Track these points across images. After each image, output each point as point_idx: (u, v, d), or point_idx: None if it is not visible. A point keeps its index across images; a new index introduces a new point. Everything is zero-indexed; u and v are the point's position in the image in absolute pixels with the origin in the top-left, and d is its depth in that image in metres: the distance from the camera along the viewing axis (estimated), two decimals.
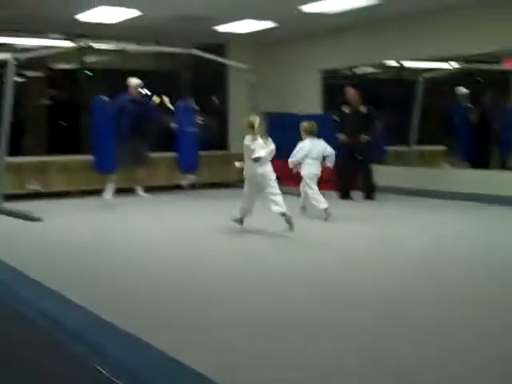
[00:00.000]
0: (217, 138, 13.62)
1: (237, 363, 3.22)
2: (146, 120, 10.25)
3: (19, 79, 10.79)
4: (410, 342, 3.52)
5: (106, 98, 9.95)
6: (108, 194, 9.61)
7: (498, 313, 4.08)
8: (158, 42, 12.34)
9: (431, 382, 2.98)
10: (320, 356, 3.29)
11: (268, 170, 7.11)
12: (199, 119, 13.37)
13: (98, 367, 3.09)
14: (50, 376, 3.17)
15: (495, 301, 4.37)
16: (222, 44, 13.14)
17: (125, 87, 10.65)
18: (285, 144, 12.29)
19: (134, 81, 10.42)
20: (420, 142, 11.81)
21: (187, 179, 11.03)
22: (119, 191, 9.96)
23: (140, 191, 10.67)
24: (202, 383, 2.92)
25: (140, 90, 10.43)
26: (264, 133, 7.10)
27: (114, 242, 6.78)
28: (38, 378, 3.18)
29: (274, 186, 7.07)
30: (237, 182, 12.49)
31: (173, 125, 10.61)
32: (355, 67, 12.58)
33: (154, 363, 3.18)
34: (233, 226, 7.24)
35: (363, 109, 10.01)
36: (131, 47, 11.89)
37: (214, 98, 14.04)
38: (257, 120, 7.03)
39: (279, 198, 7.04)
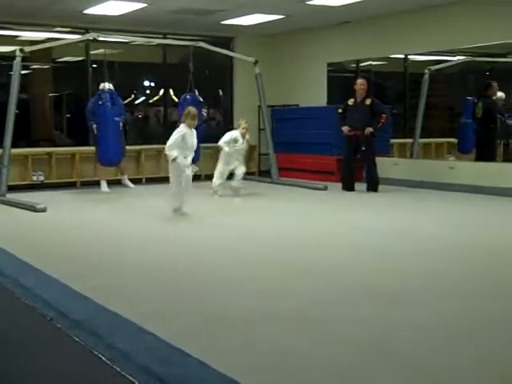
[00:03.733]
0: (221, 130, 13.65)
1: None
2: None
3: (25, 71, 10.91)
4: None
5: (112, 91, 10.07)
6: (104, 186, 10.36)
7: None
8: (164, 35, 12.40)
9: None
10: None
11: None
12: (204, 111, 13.42)
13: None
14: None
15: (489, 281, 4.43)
16: (229, 37, 13.19)
17: (130, 79, 10.73)
18: (288, 136, 12.45)
19: (103, 85, 10.33)
20: (425, 134, 11.85)
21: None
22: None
23: (126, 181, 10.85)
24: None
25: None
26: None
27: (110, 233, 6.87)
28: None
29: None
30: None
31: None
32: (362, 61, 12.59)
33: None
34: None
35: (368, 101, 10.02)
36: (138, 39, 11.94)
37: (219, 91, 14.08)
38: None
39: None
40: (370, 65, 12.65)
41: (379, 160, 10.18)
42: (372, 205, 8.87)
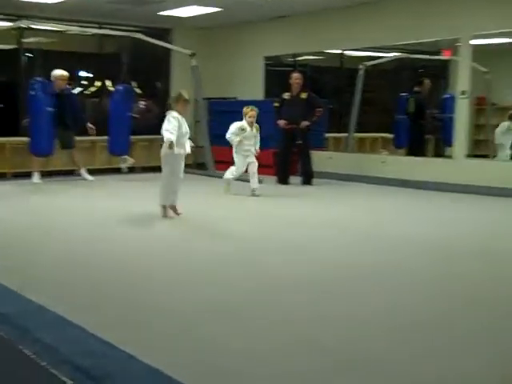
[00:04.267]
0: (158, 122, 13.53)
1: None
2: (68, 110, 10.21)
3: None
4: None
5: (44, 80, 9.93)
6: (36, 178, 10.10)
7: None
8: (101, 25, 12.22)
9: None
10: None
11: None
12: (141, 103, 13.33)
13: None
14: None
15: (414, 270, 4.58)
16: (166, 28, 13.10)
17: (66, 69, 10.52)
18: (225, 129, 12.43)
19: (57, 72, 10.23)
20: (361, 129, 12.07)
21: (126, 162, 10.98)
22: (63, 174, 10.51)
23: (84, 173, 10.65)
24: None
25: (62, 81, 10.25)
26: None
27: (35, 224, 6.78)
28: None
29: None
30: None
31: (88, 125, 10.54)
32: (298, 55, 12.71)
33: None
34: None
35: (304, 95, 10.15)
36: (72, 28, 11.74)
37: (156, 83, 13.98)
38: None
39: None
40: (307, 59, 12.78)
41: (314, 154, 10.34)
42: (306, 198, 9.01)
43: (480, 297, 4.23)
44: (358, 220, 7.20)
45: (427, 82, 11.19)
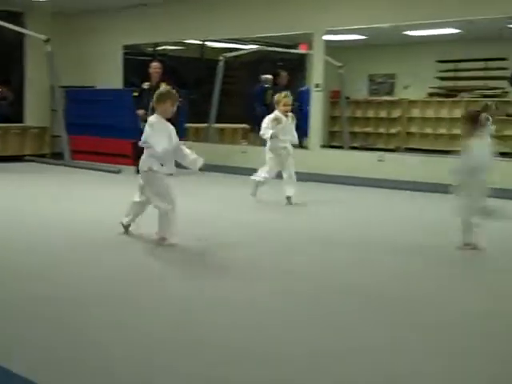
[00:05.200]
0: (12, 110, 12.96)
1: None
2: None
3: None
4: None
5: None
6: None
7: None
8: None
9: None
10: None
11: None
12: None
13: None
14: None
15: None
16: (18, 12, 12.52)
17: None
18: (83, 118, 12.12)
19: None
20: (222, 119, 12.19)
21: None
22: None
23: None
24: None
25: None
26: None
27: None
28: None
29: None
30: (32, 157, 12.07)
31: None
32: (159, 44, 12.61)
33: None
34: None
35: (163, 85, 10.06)
36: None
37: (11, 69, 13.35)
38: None
39: None
40: (167, 49, 12.73)
41: None
42: None
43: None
44: (219, 209, 7.28)
45: (284, 74, 11.48)
